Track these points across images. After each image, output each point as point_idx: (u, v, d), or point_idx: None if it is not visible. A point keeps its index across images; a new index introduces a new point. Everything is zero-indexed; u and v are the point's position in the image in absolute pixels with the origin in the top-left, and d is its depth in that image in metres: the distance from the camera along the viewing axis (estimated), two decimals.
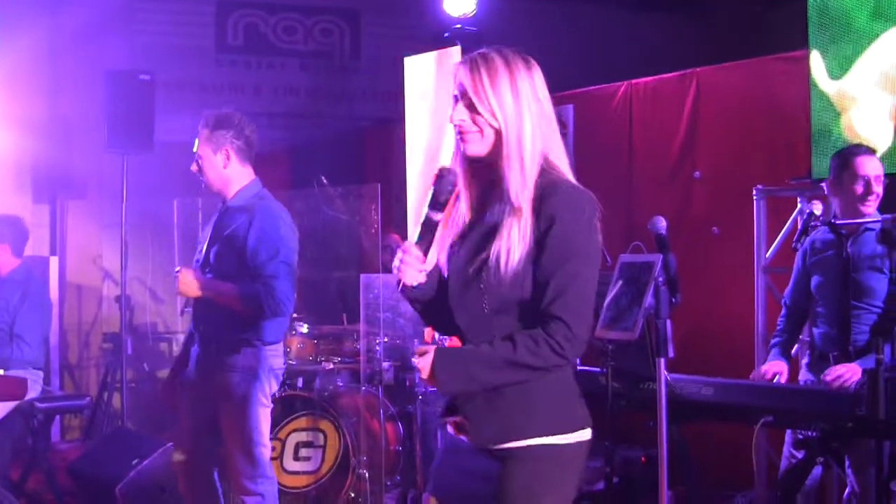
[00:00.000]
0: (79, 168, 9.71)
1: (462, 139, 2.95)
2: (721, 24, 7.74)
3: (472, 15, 8.28)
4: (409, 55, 9.35)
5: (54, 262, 9.69)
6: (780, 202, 6.87)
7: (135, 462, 6.46)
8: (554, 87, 9.42)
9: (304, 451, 6.61)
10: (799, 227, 5.33)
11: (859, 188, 4.95)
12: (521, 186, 2.87)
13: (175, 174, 9.00)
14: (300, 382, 6.96)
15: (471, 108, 2.92)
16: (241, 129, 5.03)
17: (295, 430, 6.65)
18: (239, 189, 5.05)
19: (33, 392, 6.48)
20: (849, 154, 5.08)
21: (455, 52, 9.04)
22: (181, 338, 7.29)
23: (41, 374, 6.76)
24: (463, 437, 2.97)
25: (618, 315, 4.53)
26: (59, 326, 9.72)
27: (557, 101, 9.35)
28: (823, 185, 6.16)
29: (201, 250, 5.11)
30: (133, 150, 8.43)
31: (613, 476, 5.16)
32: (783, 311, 5.44)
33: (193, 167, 5.05)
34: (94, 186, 9.93)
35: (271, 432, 6.44)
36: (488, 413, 2.90)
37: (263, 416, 5.00)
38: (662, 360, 4.37)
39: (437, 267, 3.04)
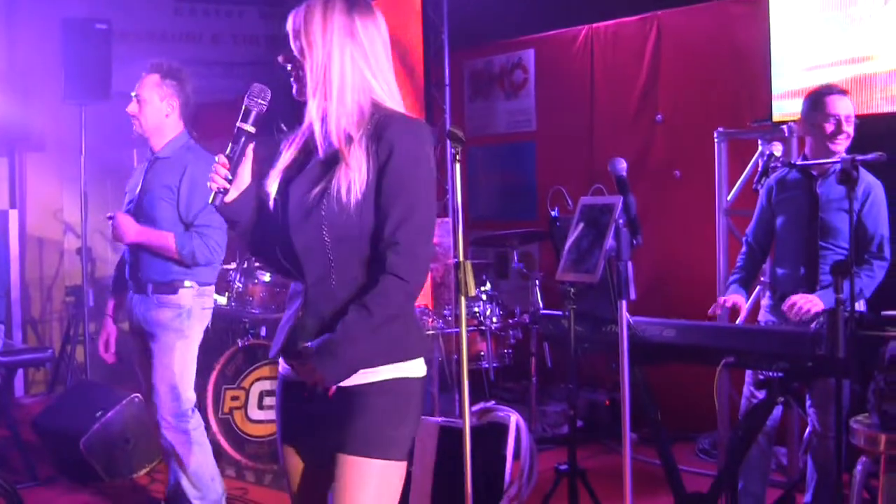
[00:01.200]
0: (36, 120, 9.60)
1: (292, 82, 3.02)
2: None
3: None
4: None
5: (14, 215, 9.61)
6: (742, 144, 6.88)
7: (99, 414, 6.44)
8: (515, 31, 9.44)
9: (268, 400, 6.60)
10: (759, 168, 5.33)
11: (830, 126, 4.95)
12: (339, 121, 2.91)
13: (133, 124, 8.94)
14: (263, 331, 6.94)
15: (291, 49, 2.99)
16: (190, 86, 5.18)
17: (259, 379, 6.64)
18: (168, 140, 5.16)
19: None
20: (820, 93, 5.08)
21: None
22: None
23: (2, 327, 6.71)
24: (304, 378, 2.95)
25: (579, 258, 4.54)
26: (20, 280, 9.65)
27: (518, 46, 9.43)
28: (785, 127, 6.19)
29: (131, 200, 5.21)
30: (90, 101, 8.33)
31: (577, 419, 5.17)
32: (743, 249, 5.45)
33: (132, 108, 5.10)
34: (53, 138, 9.80)
35: (235, 382, 6.46)
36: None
37: (192, 354, 5.17)
38: (624, 303, 4.37)
39: (254, 189, 3.07)
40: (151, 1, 10.72)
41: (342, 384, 2.88)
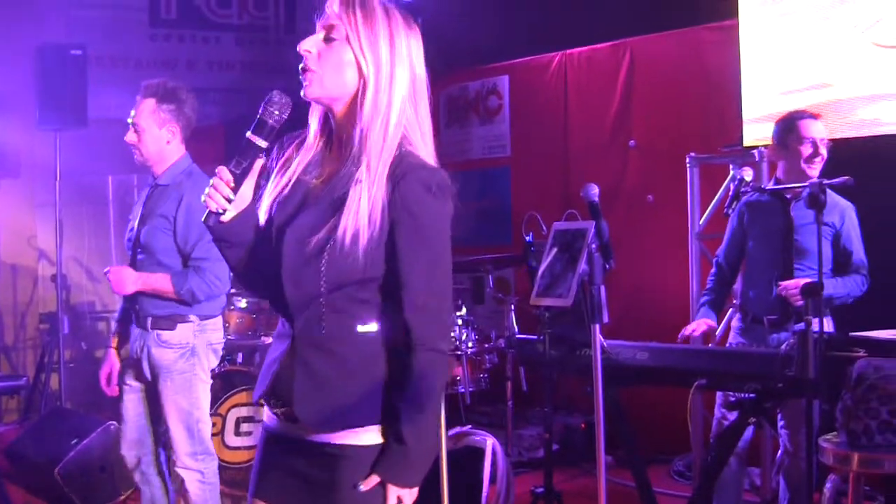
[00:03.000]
0: (10, 146, 9.59)
1: (304, 77, 2.65)
2: None
3: None
4: None
5: None
6: (713, 169, 6.96)
7: (74, 442, 6.42)
8: (489, 57, 9.46)
9: (245, 426, 6.61)
10: (731, 193, 5.39)
11: (807, 150, 4.99)
12: (379, 153, 2.59)
13: (109, 151, 8.92)
14: (240, 357, 6.96)
15: (328, 40, 2.63)
16: (190, 105, 4.91)
17: (235, 406, 6.64)
18: (169, 165, 4.92)
19: None
20: (793, 118, 5.14)
21: None
22: None
23: None
24: (287, 427, 2.74)
25: (552, 282, 4.59)
26: None
27: (493, 72, 9.46)
28: (756, 151, 6.27)
29: (132, 228, 5.00)
30: (66, 127, 8.33)
31: (553, 442, 5.20)
32: (713, 270, 5.50)
33: (131, 137, 4.87)
34: (27, 164, 9.80)
35: (212, 408, 6.45)
36: (314, 396, 2.65)
37: (203, 392, 4.96)
38: (597, 326, 4.43)
39: (254, 210, 2.75)
40: (127, 26, 10.76)
41: (333, 442, 2.63)
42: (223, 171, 2.62)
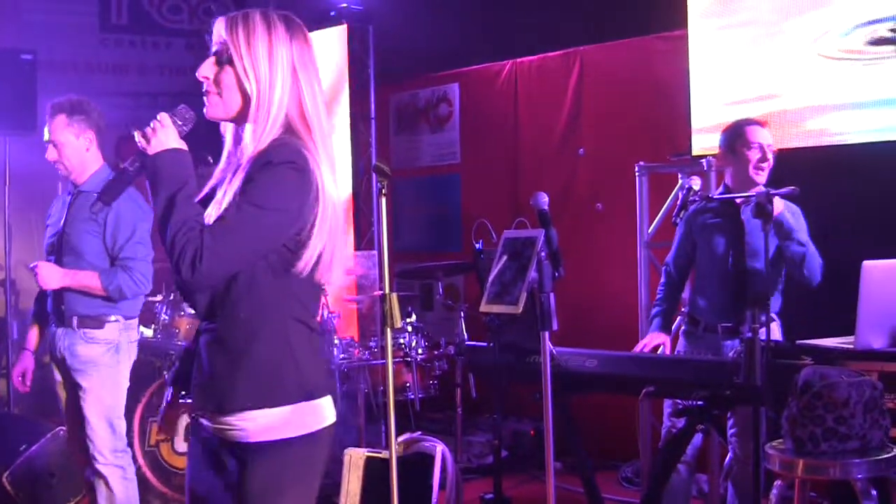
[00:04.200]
0: None
1: (207, 100, 2.82)
2: (603, 3, 7.84)
3: None
4: None
5: None
6: (662, 178, 7.01)
7: (23, 448, 6.38)
8: (440, 65, 9.49)
9: None
10: (679, 202, 5.44)
11: (754, 155, 5.04)
12: (254, 146, 2.76)
13: None
14: None
15: (219, 64, 2.78)
16: (97, 114, 5.15)
17: (186, 412, 6.60)
18: (91, 173, 5.13)
19: None
20: (740, 125, 5.19)
21: (341, 31, 9.07)
22: None
23: None
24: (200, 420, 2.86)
25: (502, 290, 4.62)
26: None
27: (443, 80, 9.49)
28: (704, 161, 6.33)
29: (54, 233, 5.17)
30: (15, 132, 8.27)
31: (502, 449, 5.24)
32: (663, 279, 5.54)
33: (51, 154, 5.07)
34: None
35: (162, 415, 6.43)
36: (203, 380, 2.79)
37: (124, 388, 5.16)
38: (546, 334, 4.47)
39: None
40: (77, 31, 10.69)
41: (222, 437, 2.77)
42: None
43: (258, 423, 2.72)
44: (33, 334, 5.38)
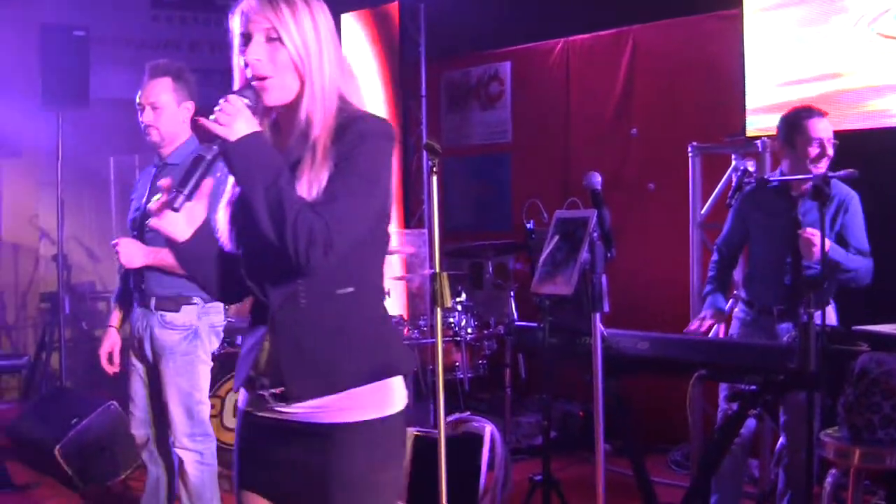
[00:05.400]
0: (12, 126, 9.56)
1: (264, 84, 2.65)
2: None
3: None
4: (345, 12, 9.32)
5: None
6: (715, 159, 6.95)
7: (74, 422, 6.45)
8: (491, 43, 9.45)
9: None
10: (733, 183, 5.38)
11: (814, 150, 4.94)
12: (322, 122, 2.63)
13: (111, 131, 8.94)
14: (239, 340, 6.94)
15: (270, 41, 2.64)
16: (194, 85, 4.91)
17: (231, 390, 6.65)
18: (178, 145, 4.90)
19: None
20: (799, 116, 5.06)
21: (392, 8, 9.04)
22: None
23: None
24: (275, 412, 2.73)
25: (553, 270, 4.59)
26: None
27: (495, 58, 9.46)
28: (758, 142, 6.25)
29: (137, 208, 4.98)
30: (68, 107, 8.33)
31: (551, 430, 5.21)
32: (715, 257, 5.49)
33: (148, 117, 4.82)
34: (29, 144, 9.80)
35: (211, 390, 6.45)
36: (303, 370, 2.67)
37: (204, 374, 4.97)
38: (598, 315, 4.43)
39: (209, 225, 2.80)
40: (128, 7, 10.74)
41: (324, 422, 2.65)
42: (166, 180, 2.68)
43: (357, 402, 2.66)
44: (117, 313, 5.18)
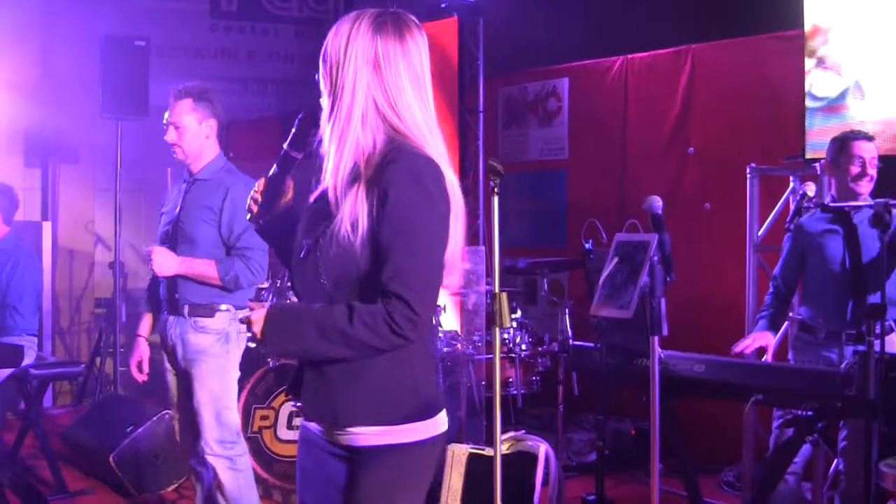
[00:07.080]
0: (72, 133, 9.70)
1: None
2: (717, 1, 7.77)
3: None
4: None
5: (47, 227, 9.72)
6: (773, 180, 6.93)
7: (129, 429, 6.50)
8: (549, 59, 9.43)
9: (297, 420, 6.64)
10: (792, 207, 5.37)
11: (855, 168, 5.03)
12: (347, 155, 2.69)
13: None
14: None
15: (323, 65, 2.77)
16: (218, 104, 5.14)
17: (288, 400, 6.67)
18: (208, 162, 5.12)
19: (28, 359, 6.49)
20: (846, 137, 5.16)
21: (451, 23, 9.07)
22: None
23: (35, 340, 6.77)
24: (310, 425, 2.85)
25: (612, 292, 4.60)
26: (51, 292, 9.72)
27: (553, 74, 9.45)
28: (817, 165, 6.23)
29: (169, 221, 5.16)
30: (128, 116, 8.44)
31: (605, 448, 5.22)
32: (771, 290, 5.47)
33: (171, 135, 5.05)
34: (87, 151, 9.93)
35: (265, 402, 6.50)
36: (319, 396, 2.74)
37: (233, 380, 5.13)
38: (656, 339, 4.43)
39: (289, 216, 2.93)
40: (187, 17, 10.87)
41: (350, 444, 2.70)
42: (259, 182, 2.88)
43: (372, 430, 2.68)
44: (146, 322, 5.33)
